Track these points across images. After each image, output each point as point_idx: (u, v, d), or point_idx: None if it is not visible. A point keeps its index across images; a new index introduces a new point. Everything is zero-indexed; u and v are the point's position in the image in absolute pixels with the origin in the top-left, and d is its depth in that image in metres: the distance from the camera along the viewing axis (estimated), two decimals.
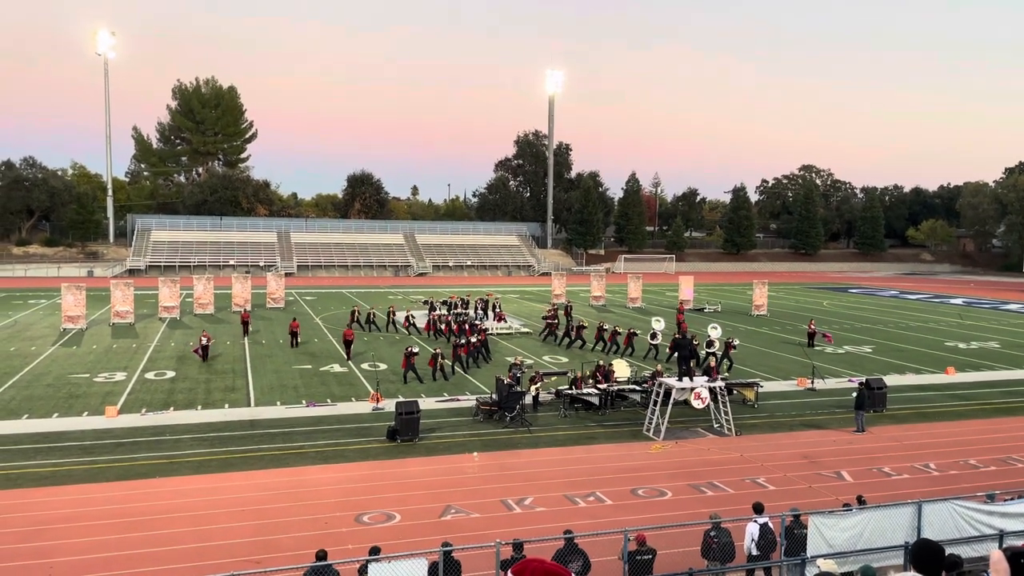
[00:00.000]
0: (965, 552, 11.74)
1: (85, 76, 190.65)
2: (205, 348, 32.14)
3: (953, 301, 64.72)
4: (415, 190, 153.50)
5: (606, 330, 36.36)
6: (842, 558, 11.78)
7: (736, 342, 33.17)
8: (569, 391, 24.70)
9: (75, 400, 25.23)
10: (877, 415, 24.70)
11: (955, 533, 12.30)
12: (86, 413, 23.64)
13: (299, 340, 36.40)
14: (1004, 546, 11.02)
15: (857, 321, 49.35)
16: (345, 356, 33.30)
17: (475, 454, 19.79)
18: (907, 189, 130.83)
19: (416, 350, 29.71)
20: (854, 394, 23.71)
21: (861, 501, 13.98)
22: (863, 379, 26.09)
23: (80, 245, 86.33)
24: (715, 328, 30.98)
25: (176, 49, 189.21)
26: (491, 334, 38.92)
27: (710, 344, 30.60)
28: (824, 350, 37.10)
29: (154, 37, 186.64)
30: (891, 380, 28.39)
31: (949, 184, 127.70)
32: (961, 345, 39.94)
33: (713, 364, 27.76)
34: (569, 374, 26.30)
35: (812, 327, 39.34)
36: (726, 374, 28.23)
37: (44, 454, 19.49)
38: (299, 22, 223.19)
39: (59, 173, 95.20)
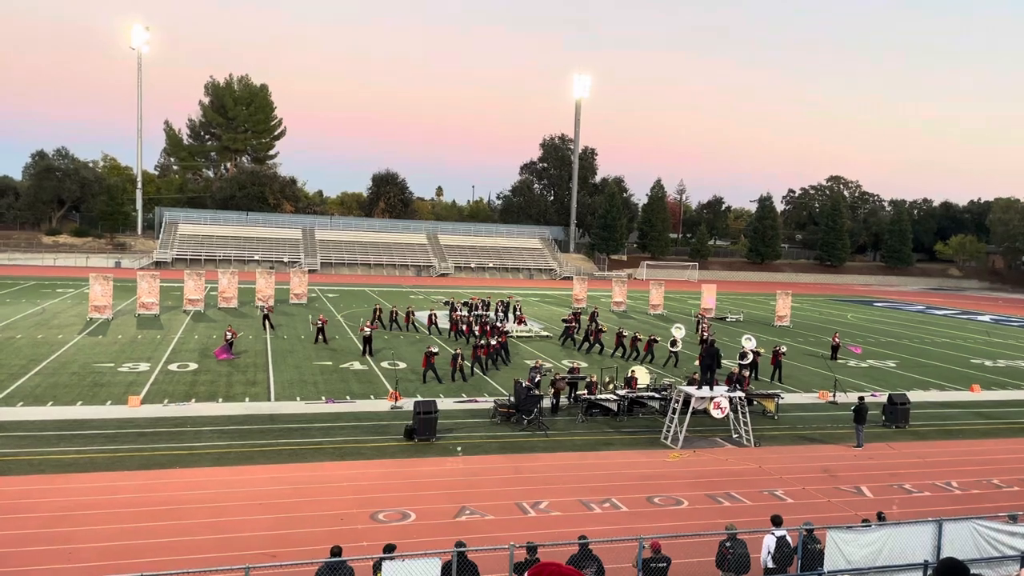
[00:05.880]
0: (985, 573, 11.58)
1: (118, 70, 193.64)
2: (230, 344, 32.37)
3: (981, 318, 63.77)
4: (439, 191, 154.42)
5: (626, 336, 36.23)
6: (860, 575, 11.66)
7: (784, 349, 32.93)
8: (588, 396, 24.66)
9: (99, 389, 25.58)
10: (899, 431, 24.41)
11: (976, 553, 12.12)
12: (109, 402, 23.96)
13: (326, 336, 36.58)
14: None
15: (882, 335, 48.78)
16: (363, 352, 33.55)
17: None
18: (936, 203, 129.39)
19: (436, 350, 29.81)
20: (852, 408, 23.20)
21: (881, 517, 13.81)
22: (861, 394, 25.59)
23: (109, 236, 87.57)
24: (749, 339, 30.28)
25: (207, 45, 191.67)
26: (511, 336, 38.92)
27: (743, 356, 29.95)
28: (847, 363, 36.71)
29: (186, 33, 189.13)
30: (915, 396, 28.03)
31: (979, 199, 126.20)
32: (987, 363, 39.33)
33: (746, 375, 27.51)
34: (587, 378, 26.20)
35: (836, 340, 38.90)
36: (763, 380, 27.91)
37: (67, 441, 19.78)
38: (329, 22, 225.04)
39: (90, 165, 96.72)
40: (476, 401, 25.98)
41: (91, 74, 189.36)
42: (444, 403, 24.36)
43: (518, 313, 44.90)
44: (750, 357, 30.00)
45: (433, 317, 42.09)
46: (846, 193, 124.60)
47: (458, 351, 30.09)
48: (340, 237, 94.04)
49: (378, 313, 42.55)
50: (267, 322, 40.01)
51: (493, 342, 32.82)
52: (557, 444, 21.48)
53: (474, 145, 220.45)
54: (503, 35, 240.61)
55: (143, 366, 29.51)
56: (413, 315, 42.91)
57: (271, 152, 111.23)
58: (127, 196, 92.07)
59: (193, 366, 29.84)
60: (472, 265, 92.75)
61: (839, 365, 35.81)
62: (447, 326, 41.07)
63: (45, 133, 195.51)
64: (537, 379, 25.20)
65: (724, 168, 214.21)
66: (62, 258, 79.84)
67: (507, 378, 28.75)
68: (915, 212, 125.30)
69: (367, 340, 33.89)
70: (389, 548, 11.11)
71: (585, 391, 25.15)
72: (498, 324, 39.57)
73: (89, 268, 64.39)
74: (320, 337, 36.23)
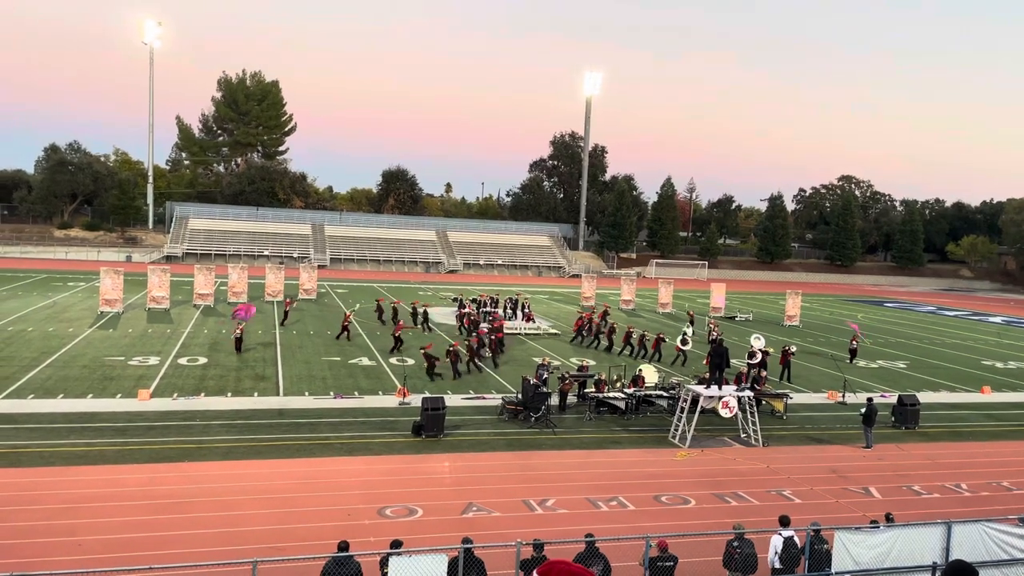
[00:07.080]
0: None
1: (131, 64, 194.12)
2: (239, 340, 32.41)
3: (992, 319, 63.37)
4: (448, 187, 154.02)
5: (633, 335, 36.15)
6: None
7: (793, 348, 32.80)
8: (596, 394, 24.64)
9: (109, 382, 25.72)
10: (908, 432, 24.29)
11: (985, 556, 12.06)
12: (119, 395, 24.09)
13: (350, 333, 36.59)
14: None
15: (892, 336, 48.53)
16: (393, 348, 33.73)
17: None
18: (948, 203, 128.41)
19: (448, 349, 29.86)
20: (862, 410, 23.05)
21: (889, 519, 13.75)
22: (870, 396, 25.41)
23: (120, 230, 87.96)
24: (758, 339, 30.10)
25: (219, 41, 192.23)
26: (519, 334, 38.89)
27: (751, 355, 29.81)
28: (857, 363, 36.52)
29: (199, 29, 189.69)
30: (924, 397, 27.88)
31: (992, 200, 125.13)
32: (998, 364, 39.09)
33: (764, 375, 27.44)
34: (595, 376, 26.18)
35: (855, 343, 38.35)
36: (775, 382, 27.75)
37: (77, 434, 19.90)
38: (340, 20, 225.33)
39: (102, 159, 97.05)
40: (484, 398, 26.00)
41: (103, 69, 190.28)
42: (452, 399, 24.36)
43: (526, 310, 44.88)
44: (758, 356, 29.87)
45: (426, 313, 42.29)
46: (857, 193, 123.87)
47: (455, 345, 30.22)
48: (349, 233, 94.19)
49: (384, 308, 42.63)
50: (285, 316, 40.23)
51: (485, 328, 33.05)
52: (564, 442, 21.48)
53: (484, 142, 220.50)
54: (513, 32, 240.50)
55: (153, 360, 29.66)
56: (425, 312, 42.95)
57: (282, 148, 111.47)
58: (138, 190, 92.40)
59: (203, 360, 29.96)
60: (481, 262, 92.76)
61: (848, 365, 35.62)
62: (448, 322, 41.06)
63: (57, 127, 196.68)
64: (545, 376, 25.22)
65: (734, 167, 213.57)
66: (73, 252, 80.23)
67: (515, 375, 28.76)
68: (927, 212, 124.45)
69: (399, 339, 34.01)
70: (396, 544, 11.14)
71: (593, 389, 25.14)
72: (498, 320, 39.35)
73: (100, 262, 64.72)
74: (344, 334, 36.26)
